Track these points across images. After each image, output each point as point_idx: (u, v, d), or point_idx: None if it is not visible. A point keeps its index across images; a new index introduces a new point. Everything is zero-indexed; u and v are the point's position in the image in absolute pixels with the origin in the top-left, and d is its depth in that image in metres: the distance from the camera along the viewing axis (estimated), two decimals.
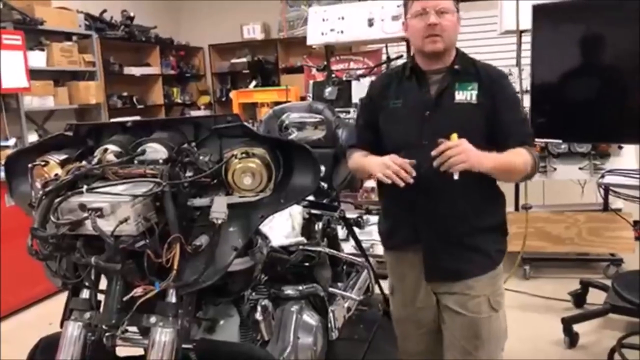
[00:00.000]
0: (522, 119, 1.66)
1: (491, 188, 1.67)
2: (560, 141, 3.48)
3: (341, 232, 2.41)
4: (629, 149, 3.52)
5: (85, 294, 1.23)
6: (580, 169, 3.59)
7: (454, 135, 1.43)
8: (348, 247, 2.57)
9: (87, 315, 1.20)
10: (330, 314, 1.88)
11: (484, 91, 1.58)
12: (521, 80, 3.45)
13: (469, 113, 1.57)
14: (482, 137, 1.53)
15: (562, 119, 3.35)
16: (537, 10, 3.26)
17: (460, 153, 1.41)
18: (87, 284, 1.21)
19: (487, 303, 1.63)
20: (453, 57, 1.63)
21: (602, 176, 3.16)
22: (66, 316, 1.23)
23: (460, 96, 1.58)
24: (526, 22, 3.33)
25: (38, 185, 1.24)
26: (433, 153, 1.43)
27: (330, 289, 1.98)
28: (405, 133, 1.62)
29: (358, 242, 2.35)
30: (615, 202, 3.61)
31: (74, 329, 1.19)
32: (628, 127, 3.00)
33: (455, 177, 1.41)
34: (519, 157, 1.55)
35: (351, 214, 2.39)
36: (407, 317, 1.77)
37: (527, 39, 3.44)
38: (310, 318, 1.75)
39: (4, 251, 3.21)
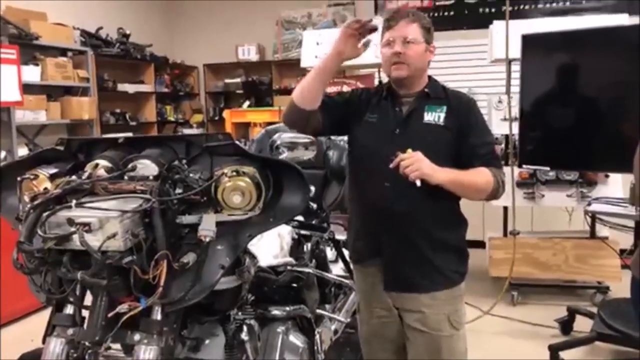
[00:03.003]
0: (488, 143, 1.71)
1: (452, 212, 1.73)
2: (548, 168, 3.52)
3: (330, 253, 2.41)
4: (616, 178, 3.57)
5: (69, 309, 1.21)
6: (567, 196, 3.62)
7: (409, 150, 1.55)
8: (337, 269, 2.56)
9: (71, 331, 1.18)
10: (317, 336, 1.87)
11: (452, 114, 1.67)
12: (510, 108, 3.51)
13: (436, 133, 1.66)
14: (448, 156, 1.64)
15: (550, 146, 3.41)
16: (526, 39, 3.34)
17: (413, 163, 1.52)
18: (71, 299, 1.20)
19: (447, 321, 1.68)
20: (425, 84, 1.73)
21: (589, 204, 3.20)
22: (49, 332, 1.21)
23: (428, 117, 1.68)
24: (516, 51, 3.41)
25: (26, 198, 1.23)
26: (391, 166, 1.54)
27: (318, 311, 1.97)
28: (375, 147, 1.70)
29: (347, 264, 2.35)
30: (602, 230, 3.64)
31: (56, 345, 1.18)
32: (615, 156, 3.05)
33: (418, 183, 1.52)
34: (479, 176, 1.63)
35: (340, 236, 2.39)
36: (373, 332, 1.82)
37: (516, 67, 3.51)
38: (296, 339, 1.74)
39: None
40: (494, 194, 1.65)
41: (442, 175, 1.56)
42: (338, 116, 1.76)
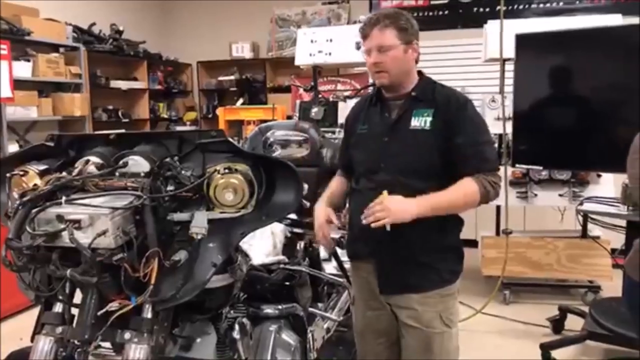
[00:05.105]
0: (480, 142, 1.65)
1: (448, 215, 1.70)
2: (541, 168, 3.54)
3: (323, 251, 2.40)
4: (608, 178, 3.59)
5: (58, 307, 1.20)
6: (560, 195, 3.64)
7: (385, 193, 1.56)
8: (330, 268, 2.55)
9: (60, 329, 1.17)
10: (309, 335, 1.87)
11: (440, 117, 1.65)
12: (504, 108, 3.51)
13: (423, 138, 1.65)
14: (436, 161, 1.64)
15: (543, 146, 3.42)
16: (520, 39, 3.35)
17: (382, 210, 1.53)
18: (60, 297, 1.19)
19: (439, 318, 1.69)
20: (414, 84, 1.72)
21: (581, 203, 3.21)
22: (37, 330, 1.20)
23: (415, 122, 1.67)
24: (509, 51, 3.41)
25: (15, 195, 1.22)
26: (362, 217, 1.57)
27: (310, 309, 1.97)
28: (367, 157, 1.75)
29: (340, 263, 2.35)
30: (594, 230, 3.66)
31: (45, 344, 1.17)
32: (607, 156, 3.06)
33: (387, 228, 1.54)
34: (461, 190, 1.60)
35: (334, 234, 2.38)
36: (367, 325, 1.83)
37: (510, 67, 3.51)
38: (288, 338, 1.74)
39: None
40: (484, 201, 1.63)
41: (415, 209, 1.54)
42: None
